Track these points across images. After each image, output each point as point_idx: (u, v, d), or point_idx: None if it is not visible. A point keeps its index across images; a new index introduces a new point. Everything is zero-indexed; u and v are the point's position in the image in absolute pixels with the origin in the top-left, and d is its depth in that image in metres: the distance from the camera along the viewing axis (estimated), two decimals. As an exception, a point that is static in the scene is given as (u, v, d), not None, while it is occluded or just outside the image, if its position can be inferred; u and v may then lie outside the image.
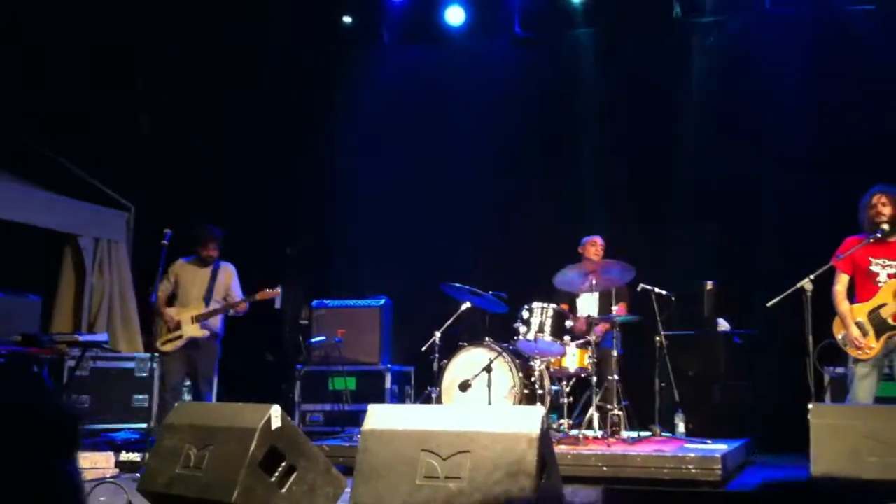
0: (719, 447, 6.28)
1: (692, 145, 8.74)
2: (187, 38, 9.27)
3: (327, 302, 8.79)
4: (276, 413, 4.28)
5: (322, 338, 8.52)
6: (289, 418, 4.37)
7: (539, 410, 4.07)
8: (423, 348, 7.03)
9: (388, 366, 8.48)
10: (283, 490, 4.23)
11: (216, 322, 7.18)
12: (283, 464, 4.26)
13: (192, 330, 7.02)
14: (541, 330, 6.85)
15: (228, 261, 7.38)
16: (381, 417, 4.20)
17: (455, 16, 9.40)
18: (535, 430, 3.92)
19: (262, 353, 9.44)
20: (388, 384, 8.32)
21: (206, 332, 7.08)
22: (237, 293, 7.25)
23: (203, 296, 7.14)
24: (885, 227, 5.79)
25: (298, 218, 9.73)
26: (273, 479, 4.21)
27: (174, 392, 7.04)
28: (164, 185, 9.33)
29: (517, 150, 9.18)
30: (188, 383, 7.53)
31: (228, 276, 7.32)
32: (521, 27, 9.28)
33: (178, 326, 7.01)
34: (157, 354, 7.10)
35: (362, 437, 4.17)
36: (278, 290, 7.15)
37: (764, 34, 8.51)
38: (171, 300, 7.24)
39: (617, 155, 8.92)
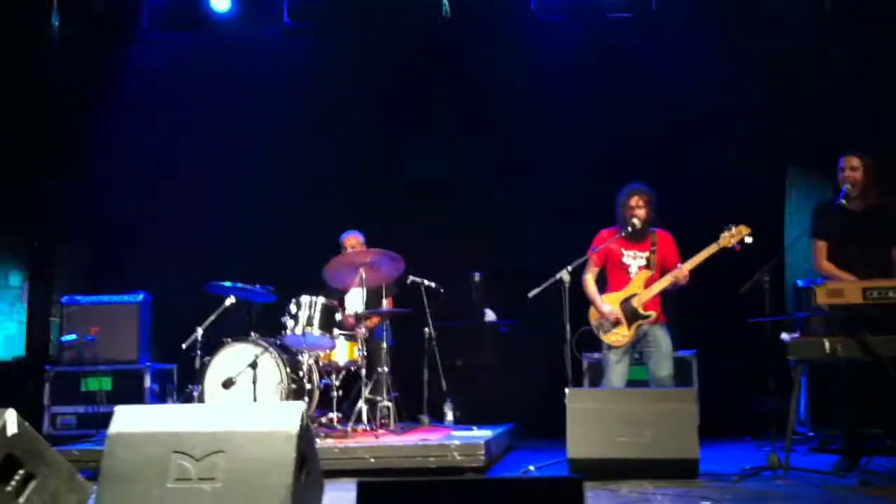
0: (484, 433, 6.42)
1: (462, 142, 8.88)
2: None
3: (80, 298, 8.21)
4: (10, 418, 3.95)
5: (73, 336, 7.97)
6: (26, 423, 4.05)
7: (299, 406, 3.97)
8: (185, 345, 6.70)
9: (148, 364, 8.05)
10: (22, 500, 3.92)
11: None
12: (21, 472, 3.94)
13: None
14: (309, 324, 6.77)
15: None
16: (128, 419, 3.94)
17: (221, 1, 9.00)
18: (293, 426, 3.82)
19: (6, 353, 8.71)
20: (147, 383, 7.90)
21: None
22: None
23: None
24: (636, 222, 6.13)
25: (56, 216, 9.01)
26: (9, 488, 3.89)
27: None
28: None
29: (284, 143, 8.92)
30: None
31: None
32: (290, 17, 9.03)
33: None
34: None
35: (108, 440, 3.91)
36: None
37: (533, 38, 8.72)
38: None
39: (386, 147, 8.92)
